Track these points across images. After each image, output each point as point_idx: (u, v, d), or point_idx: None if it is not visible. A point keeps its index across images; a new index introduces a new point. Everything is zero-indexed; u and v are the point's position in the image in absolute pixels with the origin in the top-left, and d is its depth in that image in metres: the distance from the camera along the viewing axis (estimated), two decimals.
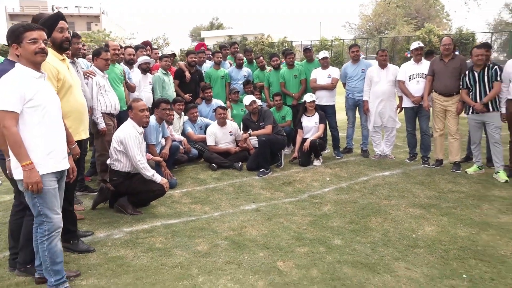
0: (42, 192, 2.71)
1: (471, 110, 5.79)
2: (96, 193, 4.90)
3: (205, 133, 6.84)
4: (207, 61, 8.27)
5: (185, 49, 35.01)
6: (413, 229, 4.09)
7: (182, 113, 6.93)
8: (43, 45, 2.74)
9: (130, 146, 4.41)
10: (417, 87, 6.37)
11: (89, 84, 4.85)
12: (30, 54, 2.70)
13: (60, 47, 3.49)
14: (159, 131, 5.78)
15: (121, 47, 6.27)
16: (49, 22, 3.38)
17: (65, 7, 53.25)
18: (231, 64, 8.40)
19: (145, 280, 3.13)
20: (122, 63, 6.07)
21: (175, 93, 7.18)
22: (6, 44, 2.89)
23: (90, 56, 5.84)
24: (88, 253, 3.57)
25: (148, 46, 7.72)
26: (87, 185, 5.43)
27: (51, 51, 3.34)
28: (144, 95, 6.36)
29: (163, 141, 5.98)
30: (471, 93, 5.76)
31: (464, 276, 3.16)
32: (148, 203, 4.77)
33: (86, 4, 55.35)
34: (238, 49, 8.63)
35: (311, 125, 6.71)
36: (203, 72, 7.78)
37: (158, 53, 8.37)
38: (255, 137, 6.46)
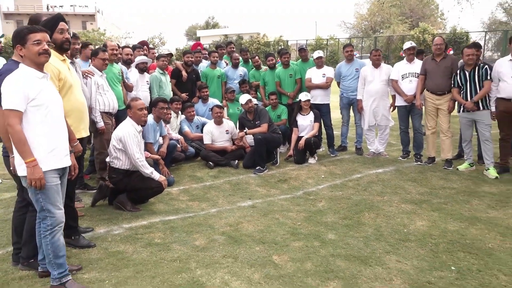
0: (45, 188, 2.81)
1: (462, 109, 5.93)
2: (95, 190, 5.00)
3: (201, 131, 6.94)
4: (203, 60, 8.36)
5: (181, 49, 35.04)
6: (405, 224, 4.21)
7: (179, 112, 7.03)
8: (46, 47, 2.84)
9: (129, 144, 4.51)
10: (409, 86, 6.49)
11: (87, 84, 4.94)
12: (34, 55, 2.80)
13: (61, 48, 3.58)
14: (157, 130, 5.87)
15: (119, 47, 6.36)
16: (50, 24, 3.46)
17: (60, 6, 53.19)
18: (227, 64, 8.50)
19: (145, 273, 3.24)
20: (120, 63, 6.16)
21: (172, 93, 7.27)
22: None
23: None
24: (89, 248, 3.67)
25: (145, 46, 7.81)
26: (87, 183, 5.53)
27: (52, 52, 3.43)
28: (142, 94, 6.45)
29: (160, 140, 6.07)
30: (462, 92, 5.90)
31: (453, 268, 3.29)
32: (146, 200, 4.88)
33: (81, 3, 55.16)
34: (234, 49, 8.73)
35: (306, 123, 6.82)
36: (199, 71, 7.88)
37: (155, 53, 8.47)
38: (251, 136, 6.57)
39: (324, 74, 7.14)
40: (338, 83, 7.39)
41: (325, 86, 7.11)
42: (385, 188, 5.39)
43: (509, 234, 3.89)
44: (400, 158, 6.82)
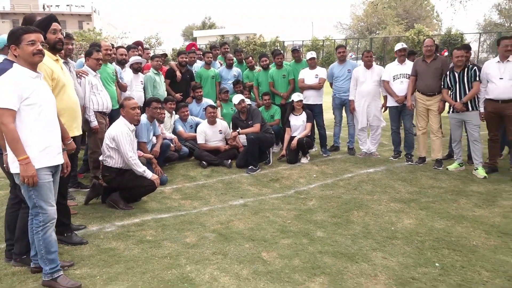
0: (37, 185, 2.88)
1: (451, 109, 6.03)
2: (88, 189, 5.06)
3: (195, 131, 7.01)
4: (197, 61, 8.42)
5: (177, 49, 35.05)
6: (393, 222, 4.30)
7: (173, 112, 7.09)
8: (40, 47, 2.91)
9: (122, 143, 4.58)
10: (401, 87, 6.58)
11: (81, 84, 5.00)
12: (28, 55, 2.87)
13: (54, 48, 3.65)
14: (150, 129, 5.93)
15: (113, 46, 6.42)
16: (43, 24, 3.53)
17: (56, 5, 53.06)
18: (221, 64, 8.57)
19: (135, 269, 3.30)
20: (114, 63, 6.22)
21: (166, 93, 7.33)
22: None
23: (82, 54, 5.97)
24: (81, 245, 3.73)
25: (139, 46, 7.87)
26: (80, 182, 5.58)
27: (45, 52, 3.49)
28: (136, 94, 6.50)
29: (154, 139, 6.13)
30: (451, 93, 5.99)
31: (437, 264, 3.38)
32: (139, 198, 4.93)
33: (78, 3, 54.94)
34: (228, 50, 8.81)
35: (298, 123, 6.90)
36: (193, 72, 7.94)
37: (150, 53, 8.53)
38: (244, 135, 6.64)
39: (316, 74, 7.22)
40: (331, 84, 7.47)
41: (318, 87, 7.19)
42: (375, 187, 5.47)
43: (493, 232, 3.98)
44: (392, 158, 6.91)
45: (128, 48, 7.29)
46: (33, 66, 2.94)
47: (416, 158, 6.67)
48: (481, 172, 5.82)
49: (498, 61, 5.72)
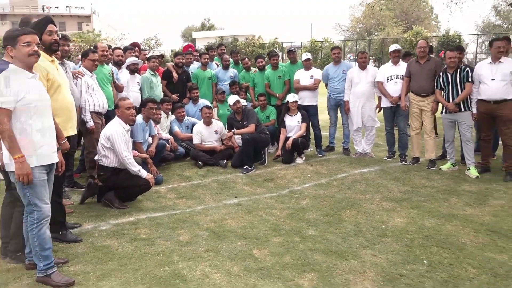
0: (32, 183, 2.94)
1: (444, 110, 6.09)
2: (84, 188, 5.11)
3: (191, 132, 7.07)
4: (194, 62, 8.49)
5: (176, 50, 35.12)
6: (384, 220, 4.36)
7: (170, 112, 7.16)
8: (36, 48, 2.98)
9: (117, 143, 4.64)
10: (395, 88, 6.65)
11: (78, 84, 5.07)
12: (24, 56, 2.94)
13: (50, 49, 3.72)
14: (146, 130, 6.00)
15: (109, 47, 6.49)
16: (39, 26, 3.61)
17: (55, 7, 53.18)
18: (217, 65, 8.63)
19: (128, 266, 3.36)
20: (110, 64, 6.29)
21: (162, 93, 7.39)
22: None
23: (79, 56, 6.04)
24: (76, 243, 3.79)
25: (136, 48, 7.94)
26: (76, 181, 5.64)
27: (41, 53, 3.56)
28: (132, 95, 6.56)
29: (150, 139, 6.20)
30: (444, 94, 6.06)
31: (425, 261, 3.44)
32: (134, 197, 4.99)
33: (77, 4, 55.12)
34: (225, 51, 8.88)
35: (293, 124, 6.97)
36: (190, 73, 8.01)
37: (147, 54, 8.59)
38: (240, 136, 6.70)
39: (312, 75, 7.29)
40: (326, 85, 7.54)
41: (313, 88, 7.25)
42: (368, 186, 5.53)
43: (482, 230, 4.04)
44: (386, 158, 6.98)
45: (125, 49, 7.36)
46: (28, 66, 3.01)
47: (410, 158, 6.73)
48: (473, 172, 5.89)
49: (490, 62, 5.78)
